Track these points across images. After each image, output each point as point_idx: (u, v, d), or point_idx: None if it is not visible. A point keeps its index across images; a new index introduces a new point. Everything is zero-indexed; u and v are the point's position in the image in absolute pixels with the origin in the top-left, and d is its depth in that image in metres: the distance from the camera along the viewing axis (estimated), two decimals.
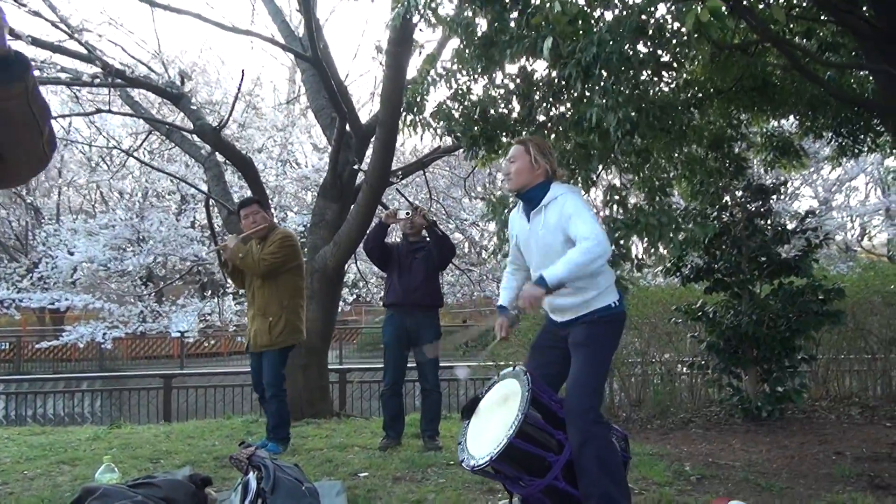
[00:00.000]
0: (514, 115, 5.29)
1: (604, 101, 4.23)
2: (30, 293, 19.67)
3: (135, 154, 12.62)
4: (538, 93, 5.14)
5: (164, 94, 8.05)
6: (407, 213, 5.37)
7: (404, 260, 5.35)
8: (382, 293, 5.76)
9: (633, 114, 4.20)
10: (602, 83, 4.26)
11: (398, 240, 5.85)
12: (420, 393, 5.47)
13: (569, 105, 5.07)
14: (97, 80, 7.44)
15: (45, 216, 24.00)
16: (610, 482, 3.01)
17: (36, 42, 6.95)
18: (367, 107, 14.59)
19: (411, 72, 5.97)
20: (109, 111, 7.99)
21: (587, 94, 4.45)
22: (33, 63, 6.80)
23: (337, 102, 7.17)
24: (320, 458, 4.83)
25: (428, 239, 5.39)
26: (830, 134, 6.53)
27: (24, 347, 22.60)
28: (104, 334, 16.27)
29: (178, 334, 20.04)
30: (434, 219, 5.83)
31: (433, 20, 4.86)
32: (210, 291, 18.40)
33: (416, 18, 5.17)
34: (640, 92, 4.51)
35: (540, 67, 5.09)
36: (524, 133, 5.22)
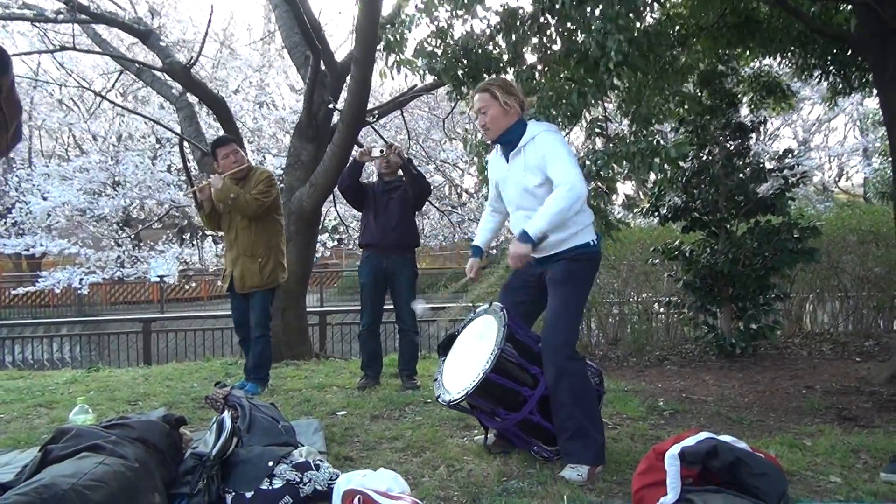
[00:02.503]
0: (498, 52, 5.16)
1: (601, 26, 4.15)
2: (3, 239, 19.39)
3: (107, 96, 12.29)
4: (522, 29, 5.01)
5: (131, 31, 7.81)
6: (381, 151, 5.28)
7: (380, 200, 5.28)
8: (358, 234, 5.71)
9: (625, 44, 4.13)
10: (599, 6, 4.16)
11: (374, 179, 5.77)
12: (398, 333, 5.48)
13: (556, 39, 4.97)
14: (62, 17, 7.19)
15: (17, 161, 23.49)
16: (584, 415, 3.05)
17: None
18: (344, 46, 14.23)
19: (387, 8, 5.80)
20: (74, 48, 7.73)
21: (581, 22, 4.36)
22: None
23: (310, 39, 6.98)
24: (298, 398, 4.85)
25: (403, 178, 5.32)
26: (819, 73, 6.47)
27: (1, 294, 22.40)
28: (81, 280, 16.11)
29: (158, 279, 19.93)
30: (409, 157, 5.74)
31: None
32: (189, 235, 18.24)
33: None
34: (631, 19, 4.41)
35: (525, 2, 4.97)
36: (511, 71, 5.11)
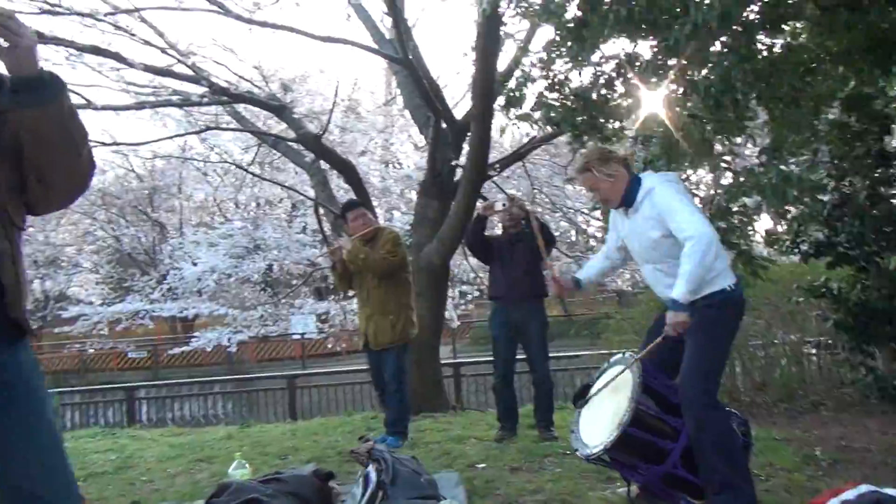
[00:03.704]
0: (616, 98, 5.17)
1: (724, 61, 4.09)
2: (161, 304, 21.05)
3: (247, 167, 13.24)
4: (637, 71, 5.00)
5: (266, 107, 8.41)
6: (503, 205, 5.37)
7: (505, 252, 5.35)
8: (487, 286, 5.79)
9: (750, 74, 4.03)
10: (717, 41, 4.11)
11: (499, 232, 5.86)
12: (532, 384, 5.47)
13: (675, 78, 4.92)
14: (206, 100, 7.87)
15: (170, 230, 25.55)
16: (729, 468, 2.92)
17: (148, 68, 7.44)
18: (462, 102, 14.64)
19: (502, 63, 5.97)
20: (218, 127, 8.43)
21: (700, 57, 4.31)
22: (149, 87, 7.27)
23: (430, 101, 7.27)
24: (438, 450, 4.92)
25: (527, 229, 5.36)
26: None
27: (159, 354, 24.18)
28: (229, 339, 17.17)
29: (299, 336, 20.88)
30: (530, 208, 5.80)
31: (522, 10, 4.83)
32: (326, 294, 19.08)
33: (504, 9, 5.15)
34: (754, 50, 4.31)
35: (642, 49, 4.95)
36: (632, 116, 5.10)
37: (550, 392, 5.36)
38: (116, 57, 7.07)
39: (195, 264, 18.93)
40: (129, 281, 24.32)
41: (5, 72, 1.59)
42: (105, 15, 6.86)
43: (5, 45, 1.51)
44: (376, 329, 5.25)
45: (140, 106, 8.26)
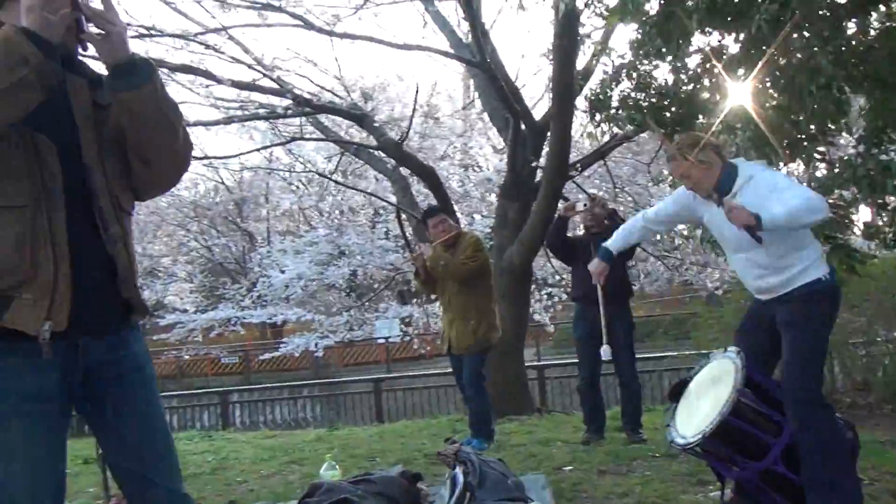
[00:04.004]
0: (703, 92, 5.03)
1: (811, 47, 3.92)
2: (251, 311, 21.79)
3: (331, 176, 13.57)
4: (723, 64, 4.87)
5: (348, 116, 8.60)
6: (585, 205, 5.30)
7: (588, 252, 5.26)
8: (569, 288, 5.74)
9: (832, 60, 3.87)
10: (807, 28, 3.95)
11: (581, 233, 5.80)
12: (618, 386, 5.38)
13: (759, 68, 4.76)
14: (290, 112, 8.11)
15: (258, 239, 26.41)
16: (835, 470, 2.80)
17: (236, 84, 7.73)
18: (541, 103, 14.54)
19: (579, 63, 5.91)
20: (303, 138, 8.67)
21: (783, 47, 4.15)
22: (236, 102, 7.57)
23: (509, 103, 7.26)
24: (524, 453, 4.91)
25: (611, 229, 5.28)
26: None
27: (251, 360, 24.98)
28: (316, 344, 17.60)
29: (383, 340, 21.17)
30: (613, 207, 5.71)
31: (599, 10, 4.78)
32: (409, 298, 19.30)
33: (581, 8, 5.11)
34: (841, 35, 4.12)
35: (727, 42, 4.81)
36: (717, 111, 4.96)
37: (638, 394, 5.26)
38: (206, 74, 7.38)
39: (283, 272, 19.51)
40: (220, 289, 25.27)
41: (103, 70, 1.70)
42: (195, 35, 7.18)
43: (99, 33, 1.60)
44: (458, 333, 5.27)
45: (229, 120, 8.59)
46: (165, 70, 7.25)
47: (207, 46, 7.51)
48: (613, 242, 3.64)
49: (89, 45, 1.65)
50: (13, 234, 1.55)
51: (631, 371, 5.18)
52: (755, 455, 2.91)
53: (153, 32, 6.86)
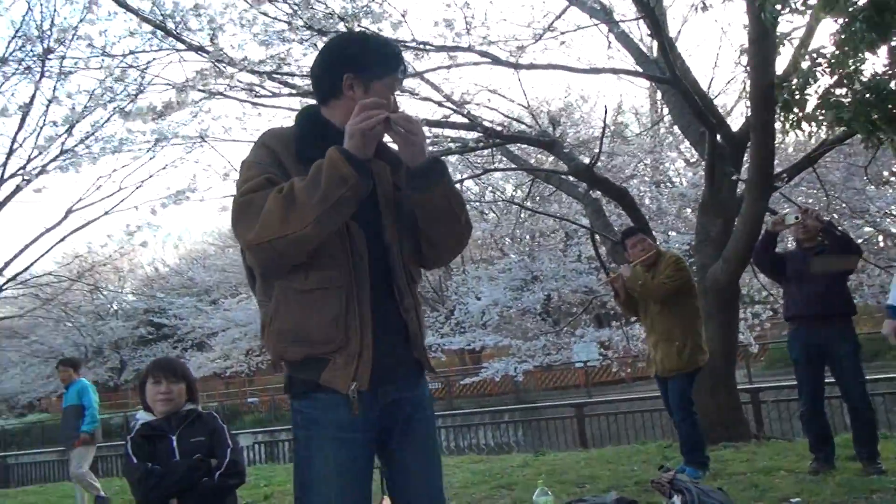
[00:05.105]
0: None
1: None
2: (450, 337, 22.54)
3: (521, 203, 13.78)
4: None
5: (538, 144, 8.71)
6: (796, 217, 4.94)
7: (802, 268, 4.91)
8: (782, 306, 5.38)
9: None
10: None
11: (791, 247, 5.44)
12: (847, 411, 4.94)
13: None
14: (481, 144, 8.39)
15: (453, 268, 27.30)
16: None
17: (429, 123, 8.14)
18: (735, 111, 13.77)
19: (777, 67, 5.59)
20: (496, 169, 8.90)
21: None
22: (430, 138, 7.98)
23: (703, 116, 7.00)
24: (745, 482, 4.66)
25: (826, 242, 4.89)
26: None
27: (452, 385, 25.76)
28: (515, 368, 17.81)
29: (582, 364, 21.00)
30: (827, 219, 5.30)
31: (800, 8, 4.52)
32: (606, 321, 18.99)
33: (778, 7, 4.84)
34: None
35: None
36: None
37: (872, 420, 4.80)
38: None
39: (479, 298, 20.03)
40: None
41: (395, 147, 1.96)
42: None
43: (404, 140, 1.85)
44: (663, 356, 5.15)
45: None
46: None
47: (401, 91, 7.99)
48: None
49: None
50: (333, 310, 1.82)
51: (861, 395, 4.75)
52: None
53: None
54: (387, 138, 1.92)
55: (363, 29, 6.70)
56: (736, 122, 8.21)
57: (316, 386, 1.83)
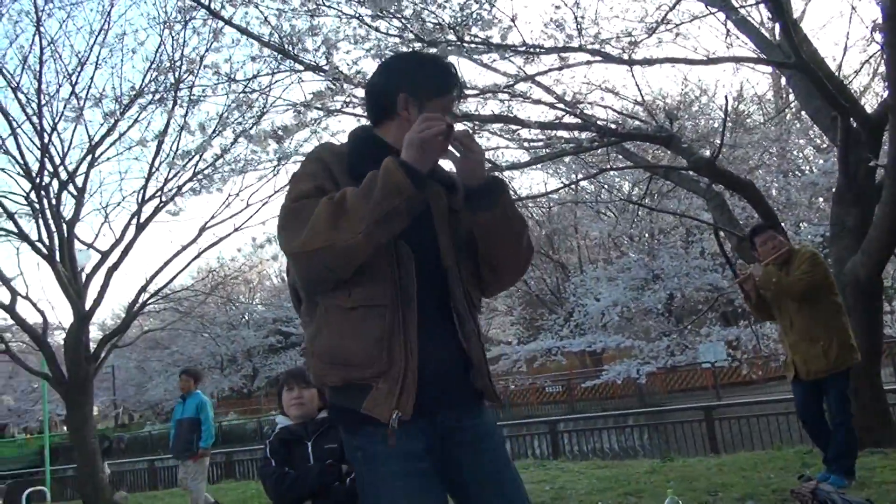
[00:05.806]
0: None
1: None
2: (570, 339, 22.31)
3: (639, 201, 13.43)
4: None
5: (655, 140, 8.45)
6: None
7: None
8: None
9: None
10: None
11: None
12: None
13: None
14: (595, 143, 8.24)
15: (570, 269, 26.99)
16: None
17: (542, 125, 8.08)
18: (868, 91, 12.83)
19: None
20: (612, 168, 8.72)
21: None
22: (543, 141, 7.94)
23: (834, 100, 6.56)
24: (895, 492, 4.33)
25: None
26: None
27: (573, 388, 25.44)
28: (638, 370, 17.37)
29: (709, 364, 20.23)
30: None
31: None
32: (734, 320, 18.20)
33: None
34: None
35: None
36: None
37: None
38: (515, 121, 7.83)
39: (598, 300, 19.71)
40: (539, 320, 26.28)
41: (452, 169, 1.90)
42: (503, 87, 7.67)
43: (461, 157, 1.79)
44: (805, 357, 4.85)
45: (539, 160, 8.98)
46: (477, 122, 7.85)
47: (513, 96, 7.97)
48: None
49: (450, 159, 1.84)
50: (377, 330, 1.73)
51: None
52: None
53: (467, 90, 7.47)
54: (442, 162, 1.85)
55: (472, 36, 6.75)
56: (870, 104, 7.66)
57: (364, 418, 1.73)
